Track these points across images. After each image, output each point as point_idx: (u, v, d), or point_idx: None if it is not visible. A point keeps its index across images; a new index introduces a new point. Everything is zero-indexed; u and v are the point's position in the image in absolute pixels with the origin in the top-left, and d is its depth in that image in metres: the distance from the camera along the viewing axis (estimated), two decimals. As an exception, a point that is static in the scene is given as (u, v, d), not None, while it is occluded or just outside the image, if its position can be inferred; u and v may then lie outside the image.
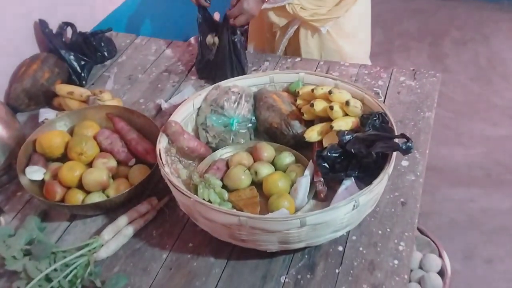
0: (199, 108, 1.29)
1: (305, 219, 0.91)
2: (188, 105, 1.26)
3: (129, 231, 1.14)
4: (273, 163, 1.22)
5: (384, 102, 1.46)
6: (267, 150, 1.23)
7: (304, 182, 1.10)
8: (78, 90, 1.51)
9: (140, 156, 1.27)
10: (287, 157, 1.21)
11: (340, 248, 1.07)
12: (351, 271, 1.02)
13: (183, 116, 1.24)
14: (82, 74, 1.68)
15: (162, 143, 1.13)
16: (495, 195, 2.06)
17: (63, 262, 1.06)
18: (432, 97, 1.46)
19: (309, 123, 1.25)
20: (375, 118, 1.07)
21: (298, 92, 1.26)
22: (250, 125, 1.28)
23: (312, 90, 1.20)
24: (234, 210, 0.95)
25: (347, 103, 1.13)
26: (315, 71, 1.62)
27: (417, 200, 1.15)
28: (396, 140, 0.99)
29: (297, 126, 1.24)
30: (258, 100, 1.30)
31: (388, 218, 1.12)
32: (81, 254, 1.08)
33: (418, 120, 1.38)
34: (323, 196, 1.12)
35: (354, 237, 1.09)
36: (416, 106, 1.43)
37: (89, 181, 1.17)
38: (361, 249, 1.07)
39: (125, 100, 1.59)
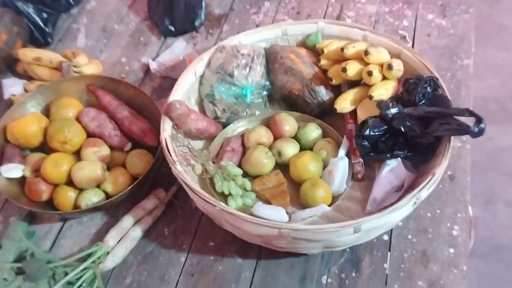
0: (201, 76, 1.09)
1: (360, 226, 0.77)
2: (189, 74, 1.05)
3: (137, 232, 0.98)
4: (296, 138, 1.06)
5: (413, 48, 1.27)
6: (289, 122, 1.06)
7: (341, 166, 0.95)
8: (47, 55, 1.26)
9: (137, 138, 1.08)
10: (314, 131, 1.04)
11: (386, 238, 0.95)
12: (402, 265, 0.92)
13: (185, 89, 1.04)
14: (47, 30, 1.41)
15: (167, 130, 0.94)
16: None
17: (65, 281, 0.92)
18: (468, 39, 1.28)
19: (335, 87, 1.07)
20: (425, 85, 0.90)
21: (322, 50, 1.06)
22: (265, 93, 1.09)
23: (342, 49, 1.00)
24: (272, 222, 0.80)
25: (389, 66, 0.95)
26: (326, 10, 1.41)
27: (467, 172, 1.03)
28: (461, 118, 0.83)
29: (323, 93, 1.05)
30: (272, 61, 1.10)
31: (436, 196, 0.99)
32: (85, 267, 0.94)
33: (456, 70, 1.21)
34: (360, 177, 0.98)
35: (400, 223, 0.97)
36: (451, 52, 1.25)
37: (81, 178, 0.99)
38: (410, 237, 0.95)
39: (103, 60, 1.36)
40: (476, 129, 0.78)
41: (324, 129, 1.05)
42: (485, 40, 2.32)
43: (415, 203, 0.81)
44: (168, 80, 1.29)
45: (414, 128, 0.85)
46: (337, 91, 1.07)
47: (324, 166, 1.00)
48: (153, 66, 1.31)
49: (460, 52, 1.25)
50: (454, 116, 0.82)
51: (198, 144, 1.07)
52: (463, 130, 0.79)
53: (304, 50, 1.10)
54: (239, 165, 1.02)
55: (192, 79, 1.06)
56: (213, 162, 0.98)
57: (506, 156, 1.90)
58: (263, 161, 0.99)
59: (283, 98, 1.11)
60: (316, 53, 1.12)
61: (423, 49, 1.27)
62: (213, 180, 0.96)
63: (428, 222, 0.96)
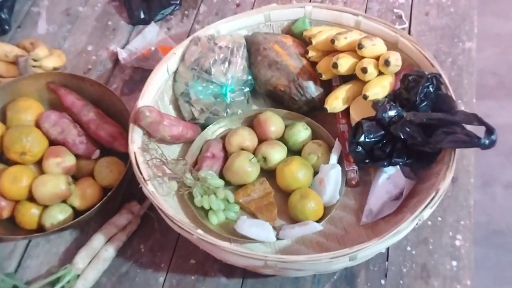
0: (175, 72, 0.97)
1: (356, 255, 0.69)
2: (160, 71, 0.94)
3: (110, 252, 0.90)
4: (283, 139, 0.96)
5: (410, 29, 1.16)
6: (275, 122, 0.96)
7: (333, 175, 0.86)
8: (1, 48, 1.13)
9: (105, 144, 0.98)
10: (302, 131, 0.95)
11: (383, 250, 0.88)
12: (401, 281, 0.85)
13: (157, 87, 0.93)
14: (2, 16, 1.27)
15: (136, 141, 0.83)
16: (510, 107, 1.89)
17: (32, 311, 0.84)
18: (470, 18, 1.17)
19: (325, 82, 0.97)
20: (427, 84, 0.80)
21: (310, 39, 0.95)
22: (247, 89, 0.98)
23: (332, 40, 0.89)
24: (257, 253, 0.71)
25: (386, 62, 0.84)
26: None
27: (470, 174, 0.95)
28: (468, 126, 0.73)
29: (311, 89, 0.95)
30: (254, 52, 0.99)
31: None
32: (53, 294, 0.86)
33: (457, 54, 1.11)
34: (355, 183, 0.90)
35: (398, 233, 0.89)
36: (451, 33, 1.15)
37: (43, 195, 0.89)
38: (409, 248, 0.88)
39: (67, 49, 1.23)
40: (486, 142, 0.69)
41: (314, 129, 0.96)
42: (482, 7, 2.20)
43: (417, 224, 0.73)
44: (140, 71, 1.18)
45: (415, 135, 0.76)
46: (327, 86, 0.97)
47: (315, 172, 0.91)
48: (123, 55, 1.19)
49: (461, 34, 1.14)
50: (463, 126, 0.72)
51: (174, 150, 0.97)
52: (471, 142, 0.69)
53: (290, 39, 0.99)
54: (221, 172, 0.93)
55: (164, 76, 0.95)
56: (191, 173, 0.88)
57: (504, 135, 1.79)
58: (247, 169, 0.90)
59: (267, 94, 1.00)
60: (303, 41, 1.00)
61: (421, 30, 1.16)
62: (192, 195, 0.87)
63: (428, 232, 0.89)
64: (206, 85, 0.93)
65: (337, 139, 0.91)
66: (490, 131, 0.69)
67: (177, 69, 0.97)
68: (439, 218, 0.90)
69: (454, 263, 0.86)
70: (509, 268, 1.53)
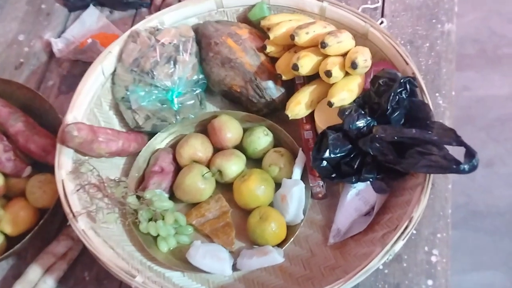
0: (113, 73, 0.85)
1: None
2: (94, 75, 0.81)
3: (49, 284, 0.80)
4: (241, 146, 0.87)
5: (383, 9, 1.05)
6: (231, 128, 0.86)
7: (296, 193, 0.77)
8: None
9: (37, 159, 0.86)
10: (262, 138, 0.85)
11: (352, 271, 0.81)
12: (372, 305, 0.79)
13: (90, 95, 0.81)
14: None
15: (64, 166, 0.72)
16: (492, 78, 1.81)
17: None
18: (450, -6, 1.06)
19: (287, 80, 0.86)
20: (400, 90, 0.70)
21: (268, 29, 0.83)
22: (199, 90, 0.87)
23: (292, 36, 0.78)
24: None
25: (353, 65, 0.73)
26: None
27: (448, 178, 0.87)
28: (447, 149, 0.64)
29: (271, 89, 0.84)
30: (205, 47, 0.87)
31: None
32: (-16, 337, 0.77)
33: (435, 38, 1.00)
34: (321, 196, 0.82)
35: (369, 250, 0.82)
36: (429, 13, 1.04)
37: (-35, 225, 0.79)
38: (380, 267, 0.81)
39: (-6, 39, 1.09)
40: (466, 167, 0.60)
41: (276, 133, 0.86)
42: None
43: (387, 259, 0.65)
44: (80, 64, 1.05)
45: (386, 152, 0.67)
46: (290, 84, 0.86)
47: (277, 185, 0.82)
48: (58, 47, 1.05)
49: (440, 14, 1.03)
50: (442, 147, 0.63)
51: (118, 163, 0.86)
52: (449, 167, 0.60)
53: (245, 30, 0.87)
54: (172, 188, 0.83)
55: (100, 79, 0.83)
56: (136, 193, 0.79)
57: (484, 108, 1.76)
58: (200, 187, 0.80)
59: (223, 94, 0.90)
60: (262, 31, 0.89)
61: (395, 10, 1.05)
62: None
63: (402, 247, 0.82)
64: (149, 90, 0.81)
65: (300, 149, 0.82)
66: (471, 154, 0.61)
67: (115, 69, 0.84)
68: (414, 231, 0.83)
69: (430, 282, 0.79)
70: (488, 251, 1.51)
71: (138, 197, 0.78)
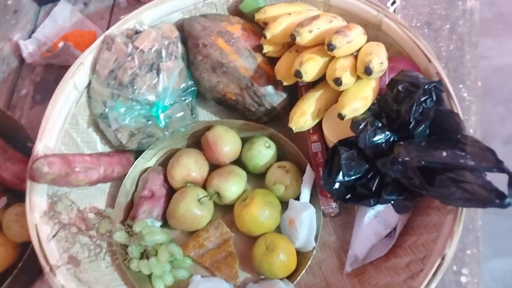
0: (88, 86, 0.74)
1: None
2: (65, 92, 0.70)
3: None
4: (240, 160, 0.77)
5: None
6: (228, 141, 0.75)
7: (306, 219, 0.68)
8: None
9: (11, 187, 0.77)
10: (263, 151, 0.75)
11: (373, 296, 0.73)
12: (397, 336, 0.71)
13: (63, 116, 0.71)
14: None
15: (37, 207, 0.63)
16: (509, 44, 1.67)
17: None
18: (471, -36, 0.93)
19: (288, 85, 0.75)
20: (424, 98, 0.59)
21: (264, 23, 0.72)
22: (189, 99, 0.76)
23: (293, 36, 0.66)
24: None
25: (367, 70, 0.62)
26: None
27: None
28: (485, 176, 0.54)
29: (271, 95, 0.74)
30: (192, 48, 0.75)
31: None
32: None
33: (457, 19, 0.88)
34: (334, 215, 0.73)
35: (391, 272, 0.73)
36: (448, -11, 0.91)
37: None
38: (404, 291, 0.73)
39: (-43, 44, 0.97)
40: (506, 201, 0.50)
41: (279, 143, 0.76)
42: None
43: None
44: (55, 68, 0.94)
45: (410, 175, 0.58)
46: (292, 87, 0.75)
47: (283, 203, 0.73)
48: (28, 50, 0.94)
49: (461, -11, 0.91)
50: (480, 174, 0.53)
51: (103, 188, 0.77)
52: (490, 201, 0.50)
53: (237, 27, 0.75)
54: (165, 214, 0.74)
55: (73, 95, 0.72)
56: (125, 225, 0.70)
57: (502, 79, 1.63)
58: (196, 214, 0.71)
59: (217, 101, 0.79)
60: (256, 25, 0.77)
61: (409, -14, 0.92)
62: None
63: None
64: (130, 106, 0.71)
65: (308, 166, 0.72)
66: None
67: (89, 82, 0.74)
68: (441, 249, 0.74)
69: (461, 307, 0.71)
70: (507, 236, 1.43)
71: (128, 230, 0.69)
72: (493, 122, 1.57)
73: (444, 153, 0.54)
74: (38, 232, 0.61)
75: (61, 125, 0.70)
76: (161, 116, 0.72)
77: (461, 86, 0.83)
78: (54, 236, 0.61)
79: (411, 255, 0.66)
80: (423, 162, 0.54)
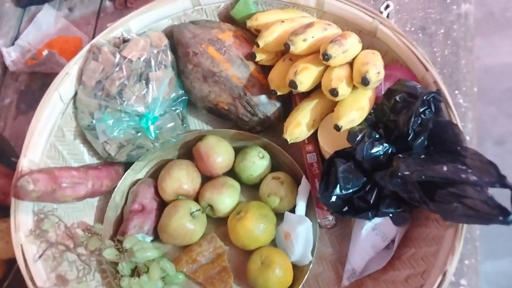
0: (74, 97, 0.72)
1: None
2: (50, 104, 0.68)
3: None
4: (233, 171, 0.75)
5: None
6: (220, 152, 0.74)
7: (302, 233, 0.66)
8: None
9: (-3, 202, 0.75)
10: (257, 162, 0.73)
11: (371, 309, 0.72)
12: None
13: (48, 130, 0.68)
14: None
15: (22, 226, 0.60)
16: (500, 44, 1.67)
17: None
18: (465, -33, 0.92)
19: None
20: (423, 109, 0.58)
21: (256, 30, 0.70)
22: (179, 109, 0.74)
23: (286, 45, 0.64)
24: None
25: (364, 81, 0.60)
26: None
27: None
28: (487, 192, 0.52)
29: (265, 106, 0.72)
30: (182, 56, 0.73)
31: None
32: None
33: (451, 23, 0.87)
34: (330, 227, 0.71)
35: (388, 285, 0.72)
36: (442, -7, 0.90)
37: None
38: (402, 304, 0.71)
39: None
40: (510, 218, 0.49)
41: (273, 153, 0.74)
42: None
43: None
44: (39, 76, 0.91)
45: (410, 189, 0.56)
46: (286, 95, 0.73)
47: (278, 215, 0.71)
48: (12, 57, 0.91)
49: (455, -7, 0.89)
50: (483, 190, 0.51)
51: (92, 203, 0.75)
52: (493, 218, 0.49)
53: (229, 34, 0.73)
54: (156, 228, 0.72)
55: (58, 107, 0.70)
56: (114, 241, 0.67)
57: (493, 79, 1.63)
58: (189, 228, 0.69)
59: (209, 110, 0.77)
60: (248, 32, 0.75)
61: (402, -10, 0.91)
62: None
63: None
64: (118, 117, 0.68)
65: (303, 177, 0.70)
66: (518, 200, 0.49)
67: (75, 93, 0.71)
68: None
69: (460, 319, 0.70)
70: (503, 238, 1.43)
71: (118, 247, 0.67)
72: (485, 122, 1.57)
73: (445, 168, 0.52)
74: (23, 253, 0.58)
75: (46, 138, 0.68)
76: (151, 127, 0.69)
77: (456, 92, 0.82)
78: (40, 256, 0.59)
79: (410, 268, 0.65)
80: (423, 177, 0.53)
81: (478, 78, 1.65)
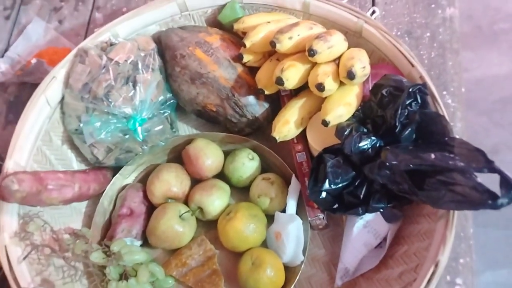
0: (61, 101, 0.72)
1: None
2: (37, 107, 0.68)
3: None
4: (223, 174, 0.75)
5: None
6: (209, 154, 0.73)
7: (293, 231, 0.66)
8: None
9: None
10: (246, 163, 0.73)
11: (365, 311, 0.70)
12: None
13: (35, 133, 0.68)
14: None
15: (7, 228, 0.59)
16: (489, 56, 1.70)
17: None
18: (448, -27, 0.94)
19: (271, 93, 0.74)
20: (409, 101, 0.59)
21: (243, 33, 0.71)
22: (167, 112, 0.74)
23: (273, 43, 0.65)
24: None
25: (350, 75, 0.61)
26: None
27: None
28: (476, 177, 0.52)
29: (253, 106, 0.72)
30: (170, 60, 0.74)
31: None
32: None
33: (437, 27, 0.89)
34: (322, 227, 0.71)
35: (383, 286, 0.71)
36: (427, -2, 0.92)
37: None
38: (397, 305, 0.70)
39: None
40: (505, 201, 0.49)
41: (263, 155, 0.74)
42: None
43: (412, 316, 0.54)
44: (28, 87, 0.91)
45: (398, 180, 0.56)
46: (274, 96, 0.74)
47: (269, 216, 0.71)
48: (1, 69, 0.92)
49: (440, -2, 0.92)
50: (470, 175, 0.51)
51: (80, 207, 0.74)
52: (482, 202, 0.49)
53: (216, 37, 0.74)
54: (145, 232, 0.71)
55: (45, 111, 0.70)
56: (102, 244, 0.66)
57: (484, 90, 1.65)
58: (178, 231, 0.68)
59: (197, 114, 0.77)
60: (236, 35, 0.76)
61: (388, -4, 0.93)
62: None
63: (420, 277, 0.71)
64: (106, 120, 0.68)
65: (293, 176, 0.70)
66: (508, 183, 0.49)
67: (62, 97, 0.71)
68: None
69: (456, 319, 0.69)
70: (501, 248, 1.42)
71: (105, 250, 0.66)
72: (477, 133, 1.58)
73: (433, 155, 0.52)
74: (7, 254, 0.57)
75: (33, 142, 0.67)
76: (139, 129, 0.69)
77: (444, 93, 0.82)
78: (25, 258, 0.58)
79: (403, 265, 0.64)
80: (411, 165, 0.53)
81: (469, 89, 1.68)
